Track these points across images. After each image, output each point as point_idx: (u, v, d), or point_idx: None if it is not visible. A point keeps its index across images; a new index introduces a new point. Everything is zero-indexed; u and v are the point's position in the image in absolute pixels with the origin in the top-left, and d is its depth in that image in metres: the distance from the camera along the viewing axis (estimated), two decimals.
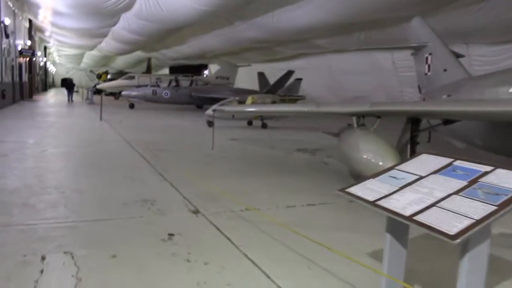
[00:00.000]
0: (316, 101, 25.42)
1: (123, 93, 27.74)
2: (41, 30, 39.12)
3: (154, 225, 5.87)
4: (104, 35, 32.14)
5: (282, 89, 22.33)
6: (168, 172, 9.31)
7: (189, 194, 7.54)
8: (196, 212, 6.58)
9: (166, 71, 57.80)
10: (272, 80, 30.08)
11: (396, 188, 3.38)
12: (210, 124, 17.79)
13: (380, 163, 6.79)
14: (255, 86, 34.51)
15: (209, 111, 17.62)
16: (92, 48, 42.01)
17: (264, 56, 36.29)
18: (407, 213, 2.99)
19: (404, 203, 3.11)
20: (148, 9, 22.17)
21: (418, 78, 14.66)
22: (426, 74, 13.95)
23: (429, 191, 3.19)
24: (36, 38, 43.65)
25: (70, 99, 31.99)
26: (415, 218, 2.89)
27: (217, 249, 5.18)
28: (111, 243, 5.18)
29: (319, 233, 5.79)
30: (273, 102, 18.88)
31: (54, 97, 39.83)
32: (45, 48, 54.23)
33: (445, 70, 12.90)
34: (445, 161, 3.56)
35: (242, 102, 18.25)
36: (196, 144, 13.78)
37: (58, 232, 5.48)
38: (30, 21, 35.33)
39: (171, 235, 5.49)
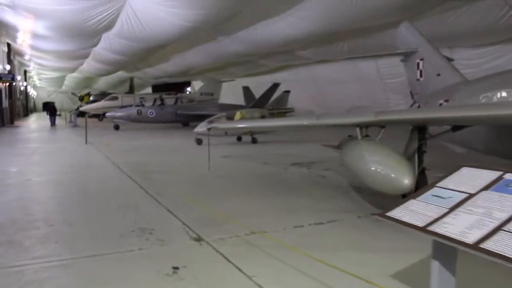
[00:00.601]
0: (304, 113, 25.12)
1: (107, 114, 27.07)
2: (20, 54, 38.26)
3: (155, 258, 5.33)
4: (85, 56, 31.49)
5: (270, 102, 21.90)
6: (163, 196, 8.78)
7: (189, 220, 7.03)
8: (199, 239, 6.06)
9: (149, 90, 57.12)
10: (257, 94, 29.74)
11: (446, 210, 2.92)
12: (199, 142, 17.31)
13: (392, 175, 6.36)
14: (240, 101, 34.10)
15: (198, 129, 17.08)
16: (73, 70, 41.28)
17: (248, 70, 35.96)
18: (470, 240, 2.52)
19: (461, 228, 2.66)
20: (130, 28, 21.61)
21: (410, 84, 14.35)
22: (418, 79, 13.64)
23: (486, 211, 2.74)
24: (16, 62, 42.73)
25: (52, 123, 31.14)
26: (482, 246, 2.42)
27: (228, 281, 4.69)
28: (111, 282, 4.65)
29: (333, 255, 5.36)
30: (262, 116, 18.47)
31: (36, 122, 38.91)
32: (25, 72, 53.24)
33: (438, 74, 12.60)
34: (492, 174, 3.12)
35: (230, 118, 17.76)
36: (188, 164, 13.24)
37: (49, 272, 4.92)
38: (8, 45, 34.48)
39: (175, 268, 4.97)
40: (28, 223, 6.96)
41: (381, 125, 7.47)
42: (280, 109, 20.76)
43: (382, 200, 8.05)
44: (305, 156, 14.52)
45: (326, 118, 8.21)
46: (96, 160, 14.04)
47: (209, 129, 9.44)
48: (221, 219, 7.00)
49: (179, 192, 9.10)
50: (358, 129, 7.65)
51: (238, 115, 17.78)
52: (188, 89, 54.08)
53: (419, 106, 12.89)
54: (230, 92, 41.46)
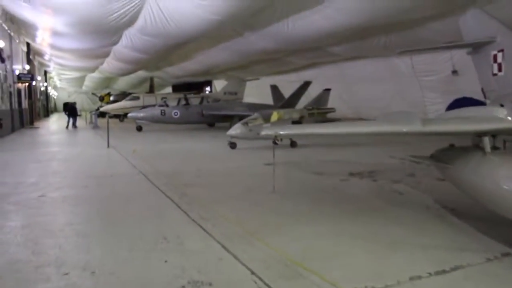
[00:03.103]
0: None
1: (129, 115, 24.99)
2: (40, 54, 36.50)
3: None
4: (106, 55, 29.56)
5: (310, 101, 19.65)
6: (209, 221, 6.62)
7: (255, 265, 4.93)
8: None
9: (169, 90, 55.18)
10: (283, 93, 27.51)
11: None
12: (233, 146, 15.18)
13: None
14: (264, 100, 31.86)
15: (231, 131, 15.02)
16: (93, 70, 39.42)
17: (273, 68, 33.67)
18: None
19: None
20: (153, 23, 19.56)
21: (482, 80, 12.02)
22: (495, 74, 11.26)
23: None
24: (36, 63, 41.01)
25: (72, 125, 29.09)
26: None
27: None
28: None
29: None
30: (301, 117, 16.26)
31: (56, 123, 37.04)
32: (45, 72, 51.56)
33: None
34: None
35: (266, 118, 15.58)
36: (228, 174, 11.05)
37: None
38: (28, 44, 32.70)
39: None
40: (34, 270, 4.88)
41: None
42: (320, 108, 18.45)
43: (497, 228, 6.06)
44: (359, 163, 12.27)
45: (435, 124, 5.97)
46: (120, 169, 11.92)
47: (276, 139, 7.20)
48: (300, 263, 4.84)
49: (228, 215, 6.92)
50: (487, 139, 5.45)
51: (275, 115, 15.56)
52: (207, 88, 51.97)
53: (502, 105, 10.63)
54: (254, 91, 39.26)
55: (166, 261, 5.09)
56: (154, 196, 8.54)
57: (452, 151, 6.46)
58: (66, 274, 4.74)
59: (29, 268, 4.94)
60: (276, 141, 7.27)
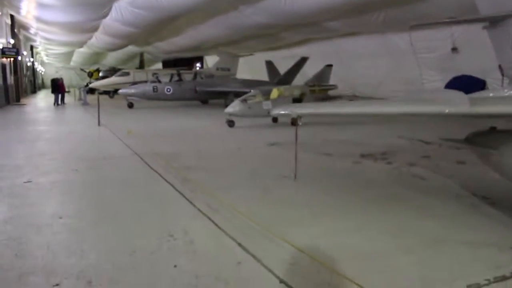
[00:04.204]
0: None
1: (120, 91, 23.77)
2: (25, 28, 34.79)
3: None
4: (95, 29, 28.13)
5: (311, 77, 18.67)
6: (219, 212, 5.78)
7: (282, 269, 4.17)
8: None
9: (159, 66, 53.61)
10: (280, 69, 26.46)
11: None
12: (231, 124, 14.27)
13: None
14: (256, 76, 30.78)
15: (229, 109, 14.09)
16: (81, 45, 37.76)
17: (266, 44, 32.44)
18: None
19: None
20: None
21: (500, 57, 11.17)
22: None
23: None
24: (21, 37, 39.19)
25: (59, 102, 27.74)
26: None
27: None
28: None
29: None
30: (302, 94, 15.31)
31: (44, 100, 35.60)
32: (32, 47, 49.58)
33: None
34: None
35: (265, 95, 14.65)
36: (230, 155, 10.15)
37: None
38: (12, 17, 30.97)
39: None
40: (17, 280, 3.98)
41: None
42: (322, 85, 17.49)
43: None
44: (368, 144, 11.45)
45: (485, 104, 5.09)
46: (113, 150, 10.95)
47: (298, 117, 6.27)
48: (333, 268, 4.00)
49: (238, 205, 6.04)
50: None
51: (275, 92, 14.62)
52: (198, 64, 50.55)
53: None
54: (246, 67, 38.09)
55: (175, 266, 4.24)
56: (152, 181, 7.64)
57: (496, 134, 5.63)
58: (57, 285, 3.86)
59: (12, 277, 4.06)
60: (299, 122, 6.29)
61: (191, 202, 6.29)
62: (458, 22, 19.01)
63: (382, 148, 10.76)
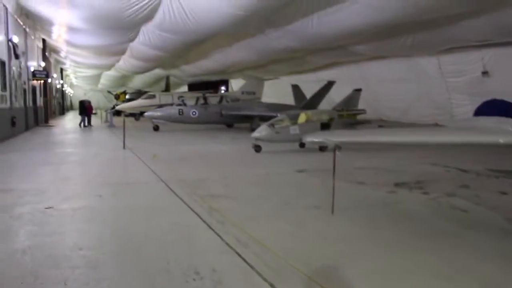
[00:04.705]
0: None
1: (146, 114, 23.70)
2: (56, 51, 35.43)
3: None
4: (122, 53, 28.39)
5: (339, 102, 18.22)
6: (248, 247, 5.31)
7: None
8: None
9: (184, 88, 53.97)
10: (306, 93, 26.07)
11: None
12: (258, 149, 13.86)
13: None
14: (281, 100, 30.44)
15: (256, 134, 13.71)
16: (109, 67, 38.27)
17: (292, 68, 32.29)
18: None
19: None
20: (172, 18, 18.31)
21: None
22: None
23: None
24: (52, 60, 39.98)
25: (86, 124, 27.86)
26: None
27: None
28: None
29: None
30: (331, 119, 14.83)
31: (72, 121, 35.93)
32: (62, 70, 50.56)
33: None
34: None
35: (293, 119, 14.24)
36: (259, 183, 9.67)
37: None
38: (44, 41, 31.60)
39: None
40: None
41: None
42: (350, 110, 17.02)
43: None
44: (401, 172, 10.88)
45: None
46: (138, 174, 10.62)
47: (337, 146, 5.80)
48: None
49: (269, 240, 5.58)
50: None
51: (302, 116, 14.21)
52: (223, 87, 50.66)
53: None
54: (270, 91, 37.88)
55: None
56: (178, 210, 7.23)
57: None
58: None
59: None
60: (337, 152, 5.81)
61: (218, 235, 5.85)
62: (491, 45, 18.41)
63: (416, 176, 10.19)
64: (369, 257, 5.14)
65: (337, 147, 5.49)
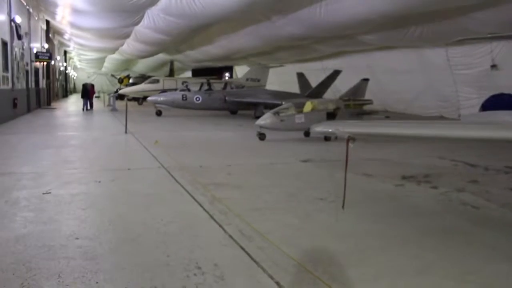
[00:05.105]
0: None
1: (149, 98, 23.39)
2: (60, 33, 35.03)
3: None
4: (127, 36, 27.95)
5: (346, 92, 17.88)
6: (252, 240, 5.05)
7: None
8: None
9: (188, 74, 53.56)
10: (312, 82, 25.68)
11: None
12: (262, 137, 13.57)
13: None
14: (285, 87, 30.03)
15: (261, 121, 13.41)
16: (113, 51, 37.83)
17: (297, 56, 31.80)
18: None
19: None
20: (177, 2, 17.95)
21: None
22: None
23: None
24: (55, 42, 39.56)
25: (88, 107, 27.60)
26: None
27: None
28: None
29: None
30: (337, 109, 14.51)
31: (75, 104, 35.64)
32: (65, 52, 50.15)
33: None
34: None
35: (298, 108, 13.95)
36: (263, 172, 9.40)
37: None
38: (47, 22, 31.21)
39: None
40: None
41: None
42: (357, 100, 16.69)
43: None
44: (408, 164, 10.60)
45: None
46: (139, 161, 10.37)
47: (351, 138, 5.49)
48: None
49: (274, 233, 5.32)
50: None
51: (308, 105, 13.91)
52: (227, 74, 50.22)
53: None
54: (275, 79, 37.43)
55: None
56: (179, 199, 6.97)
57: None
58: None
59: None
60: (350, 144, 5.49)
61: (221, 226, 5.59)
62: (501, 38, 18.02)
63: (424, 170, 9.90)
64: (378, 255, 4.87)
65: (351, 138, 5.15)
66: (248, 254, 4.69)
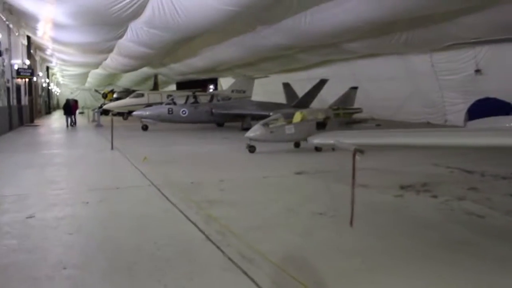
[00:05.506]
0: None
1: (134, 113, 22.89)
2: (41, 49, 34.33)
3: None
4: (110, 50, 27.47)
5: (335, 100, 17.67)
6: (254, 264, 4.67)
7: None
8: None
9: (173, 87, 53.07)
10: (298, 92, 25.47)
11: None
12: (252, 149, 13.24)
13: None
14: (270, 98, 29.79)
15: (251, 133, 13.10)
16: (96, 66, 37.23)
17: (282, 66, 31.66)
18: None
19: None
20: (161, 14, 17.56)
21: None
22: None
23: None
24: (37, 58, 38.83)
25: (71, 124, 27.02)
26: None
27: None
28: None
29: None
30: (327, 118, 14.26)
31: (58, 121, 34.92)
32: (48, 68, 49.27)
33: None
34: None
35: (288, 118, 13.67)
36: (257, 187, 9.04)
37: None
38: (28, 38, 30.55)
39: None
40: None
41: None
42: (347, 108, 16.48)
43: None
44: (404, 173, 10.37)
45: None
46: (128, 179, 9.94)
47: (358, 151, 5.16)
48: None
49: (277, 254, 4.98)
50: None
51: (298, 116, 13.63)
52: (212, 86, 49.92)
53: None
54: (260, 90, 37.20)
55: None
56: (173, 219, 6.57)
57: None
58: None
59: None
60: (357, 157, 5.16)
61: (219, 248, 5.23)
62: (484, 43, 18.07)
63: (421, 178, 9.65)
64: (386, 272, 4.57)
65: (358, 151, 4.82)
66: (252, 279, 4.33)
